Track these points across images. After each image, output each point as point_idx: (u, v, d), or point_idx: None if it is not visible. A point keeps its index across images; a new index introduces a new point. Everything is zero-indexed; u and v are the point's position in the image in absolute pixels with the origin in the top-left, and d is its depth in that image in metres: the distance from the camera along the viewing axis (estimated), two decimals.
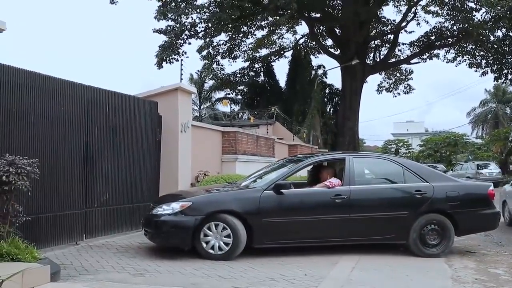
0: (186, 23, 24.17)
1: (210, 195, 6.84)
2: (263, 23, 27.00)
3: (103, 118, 7.78)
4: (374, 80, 59.64)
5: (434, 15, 24.96)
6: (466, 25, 22.41)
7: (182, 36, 24.14)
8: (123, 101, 8.33)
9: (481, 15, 23.37)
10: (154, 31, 24.13)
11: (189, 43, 24.67)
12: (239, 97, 35.73)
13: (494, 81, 28.05)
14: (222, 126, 14.18)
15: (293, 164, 7.29)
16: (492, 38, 24.53)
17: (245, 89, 34.40)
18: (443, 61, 28.17)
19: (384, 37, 28.19)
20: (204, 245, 6.20)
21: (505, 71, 26.33)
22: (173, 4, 22.81)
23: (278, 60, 32.54)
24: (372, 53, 28.34)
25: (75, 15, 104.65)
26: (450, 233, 6.68)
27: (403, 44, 28.10)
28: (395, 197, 6.77)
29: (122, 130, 8.25)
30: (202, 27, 24.38)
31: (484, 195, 7.02)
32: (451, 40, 26.21)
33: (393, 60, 28.16)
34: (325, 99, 35.99)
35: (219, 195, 6.77)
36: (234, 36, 27.52)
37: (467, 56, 27.27)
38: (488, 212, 6.99)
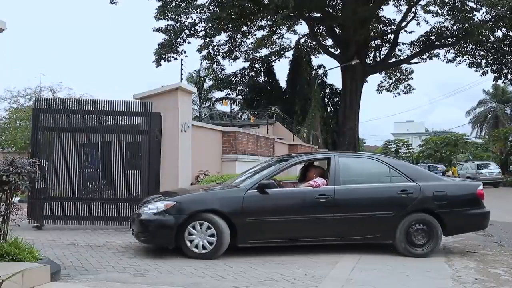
0: (186, 23, 24.17)
1: (194, 194, 6.88)
2: (263, 22, 27.00)
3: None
4: (374, 80, 59.82)
5: (434, 15, 24.98)
6: (466, 25, 22.40)
7: (182, 35, 24.13)
8: (123, 106, 8.89)
9: (481, 15, 23.40)
10: (154, 30, 24.14)
11: (189, 42, 24.69)
12: (240, 97, 35.71)
13: (494, 81, 28.12)
14: (222, 126, 14.18)
15: (279, 163, 7.24)
16: (492, 38, 24.52)
17: (245, 89, 34.36)
18: (443, 61, 28.22)
19: (384, 37, 28.19)
20: (189, 244, 6.23)
21: (505, 71, 26.35)
22: (173, 3, 22.80)
23: (279, 60, 32.55)
24: (372, 53, 28.35)
25: (81, 17, 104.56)
26: (437, 232, 6.62)
27: (403, 44, 28.14)
28: (381, 197, 6.70)
29: (123, 131, 8.57)
30: (202, 26, 24.37)
31: (473, 195, 6.93)
32: (451, 40, 26.21)
33: (393, 60, 28.15)
34: (325, 99, 35.99)
35: (203, 195, 6.79)
36: (234, 36, 27.50)
37: (467, 56, 27.27)
38: (477, 211, 6.91)
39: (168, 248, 6.54)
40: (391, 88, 31.17)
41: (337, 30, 26.50)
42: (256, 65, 32.58)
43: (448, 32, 25.99)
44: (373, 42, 27.95)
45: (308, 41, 31.67)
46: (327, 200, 6.51)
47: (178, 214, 6.23)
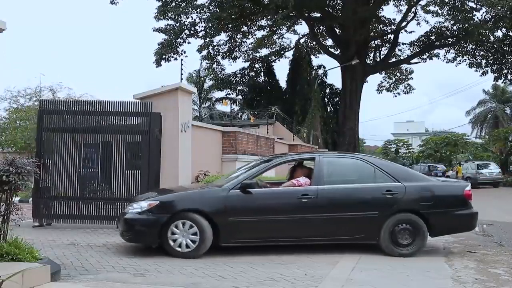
0: (186, 23, 24.18)
1: (177, 194, 6.89)
2: (263, 22, 27.02)
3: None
4: (374, 80, 59.79)
5: (434, 15, 25.00)
6: (466, 25, 22.42)
7: (182, 35, 24.15)
8: (123, 107, 9.02)
9: (481, 15, 23.42)
10: (154, 30, 24.16)
11: (189, 43, 24.72)
12: (240, 97, 35.71)
13: (494, 81, 28.15)
14: (222, 126, 14.18)
15: (264, 163, 7.24)
16: (492, 38, 24.54)
17: (245, 89, 34.36)
18: (443, 61, 28.28)
19: (384, 37, 28.22)
20: (172, 242, 6.27)
21: (505, 71, 26.37)
22: (173, 3, 22.81)
23: (279, 60, 32.58)
24: (372, 53, 28.38)
25: (81, 17, 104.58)
26: (423, 232, 6.57)
27: (403, 44, 28.16)
28: (365, 197, 6.67)
29: (124, 131, 8.68)
30: (202, 26, 24.40)
31: (460, 196, 6.85)
32: (451, 40, 26.23)
33: (393, 60, 28.17)
34: (325, 99, 35.99)
35: (186, 194, 6.83)
36: (234, 36, 27.52)
37: (467, 56, 27.29)
38: (464, 212, 6.83)
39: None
40: (391, 88, 31.20)
41: (337, 30, 26.51)
42: (256, 65, 32.60)
43: (448, 32, 26.00)
44: (373, 42, 27.97)
45: (308, 41, 31.68)
46: (310, 200, 6.48)
47: (161, 213, 6.30)
